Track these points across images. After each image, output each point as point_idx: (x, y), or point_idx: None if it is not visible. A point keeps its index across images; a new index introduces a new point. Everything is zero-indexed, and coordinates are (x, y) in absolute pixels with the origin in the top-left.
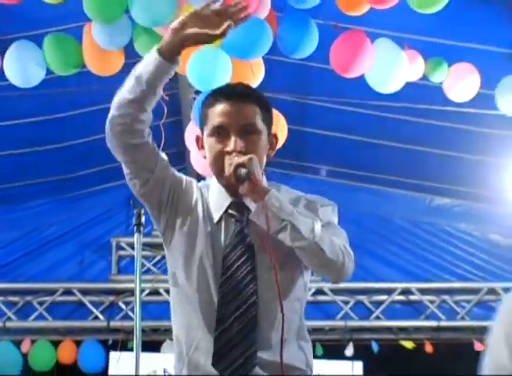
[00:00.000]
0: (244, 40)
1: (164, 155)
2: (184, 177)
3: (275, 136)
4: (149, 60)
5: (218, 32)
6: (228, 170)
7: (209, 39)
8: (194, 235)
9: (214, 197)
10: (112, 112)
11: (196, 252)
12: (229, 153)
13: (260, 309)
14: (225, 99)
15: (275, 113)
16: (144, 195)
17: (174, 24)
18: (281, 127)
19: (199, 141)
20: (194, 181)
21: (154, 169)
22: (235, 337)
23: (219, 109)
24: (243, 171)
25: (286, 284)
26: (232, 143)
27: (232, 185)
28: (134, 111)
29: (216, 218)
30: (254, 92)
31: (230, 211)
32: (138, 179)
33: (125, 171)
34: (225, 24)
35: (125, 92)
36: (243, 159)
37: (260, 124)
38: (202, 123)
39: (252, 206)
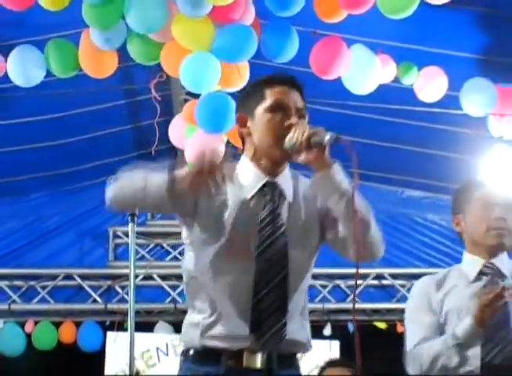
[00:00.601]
0: (232, 45)
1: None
2: None
3: None
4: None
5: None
6: (299, 137)
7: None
8: (223, 212)
9: (247, 176)
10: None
11: (224, 227)
12: (293, 125)
13: (290, 282)
14: (284, 83)
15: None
16: (175, 213)
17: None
18: None
19: (242, 120)
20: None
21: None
22: (270, 306)
23: (280, 89)
24: (326, 137)
25: (306, 261)
26: (294, 119)
27: (284, 154)
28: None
29: (249, 195)
30: (301, 83)
31: (264, 189)
32: (161, 212)
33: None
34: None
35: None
36: (317, 129)
37: (305, 110)
38: (253, 102)
39: (285, 186)
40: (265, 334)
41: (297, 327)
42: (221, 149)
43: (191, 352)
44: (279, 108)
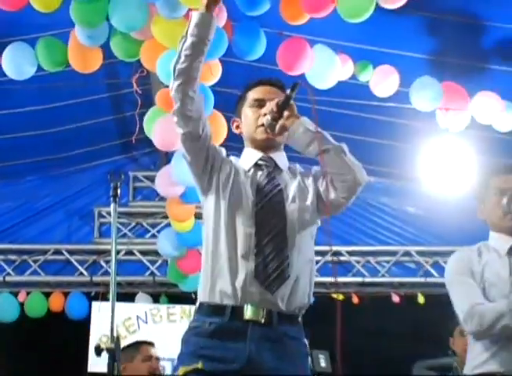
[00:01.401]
0: None
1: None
2: (219, 148)
3: None
4: (197, 22)
5: None
6: (269, 110)
7: None
8: (231, 183)
9: (245, 157)
10: (174, 75)
11: (231, 194)
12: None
13: (288, 233)
14: (265, 83)
15: (215, 112)
16: (191, 152)
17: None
18: (221, 127)
19: (234, 123)
20: (225, 150)
21: (203, 131)
22: (271, 252)
23: (259, 88)
24: (282, 100)
25: (304, 214)
26: (269, 105)
27: (266, 139)
28: (192, 79)
29: (247, 168)
30: (282, 84)
31: (260, 162)
32: (192, 139)
33: (182, 130)
34: None
35: (181, 60)
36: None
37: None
38: (240, 106)
39: (277, 158)
40: (269, 276)
41: (301, 285)
42: None
43: (201, 306)
44: (257, 104)
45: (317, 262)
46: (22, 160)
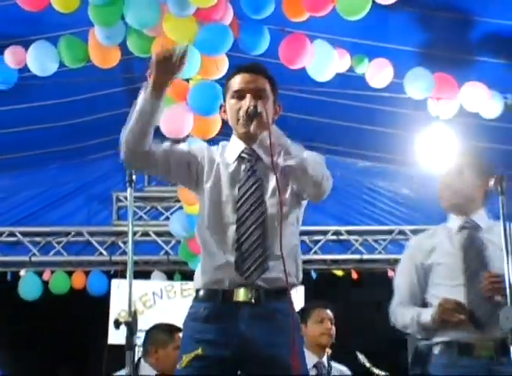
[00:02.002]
0: (211, 40)
1: (166, 145)
2: (194, 151)
3: (279, 105)
4: (146, 103)
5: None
6: (241, 116)
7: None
8: (214, 176)
9: (231, 147)
10: (123, 146)
11: (215, 186)
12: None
13: (268, 226)
14: (243, 71)
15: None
16: (177, 182)
17: (150, 84)
18: None
19: (221, 108)
20: (204, 146)
21: (170, 164)
22: (250, 246)
23: (238, 78)
24: (252, 109)
25: (284, 213)
26: (247, 100)
27: (245, 132)
28: (141, 142)
29: (232, 160)
30: (265, 69)
31: (243, 154)
32: (168, 175)
33: (151, 173)
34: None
35: (130, 129)
36: (253, 102)
37: (268, 91)
38: (224, 94)
39: (259, 151)
40: (247, 270)
41: (288, 265)
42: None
43: (197, 292)
44: (236, 95)
45: (318, 241)
46: (46, 149)
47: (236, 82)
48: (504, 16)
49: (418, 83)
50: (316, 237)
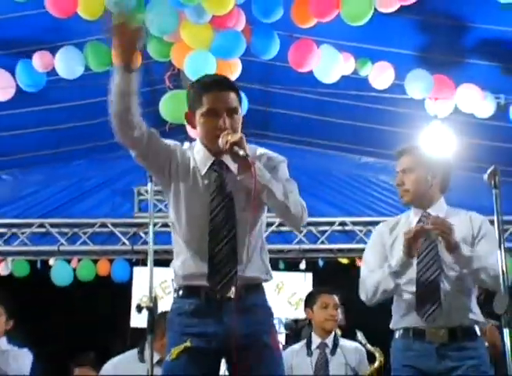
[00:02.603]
0: (225, 46)
1: (153, 131)
2: (171, 145)
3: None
4: (115, 76)
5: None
6: (223, 145)
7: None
8: (185, 187)
9: (199, 156)
10: (113, 121)
11: (187, 197)
12: (222, 129)
13: (238, 236)
14: (216, 89)
15: None
16: (147, 167)
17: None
18: None
19: (190, 117)
20: (179, 145)
21: (150, 146)
22: (222, 260)
23: (212, 96)
24: (241, 152)
25: (253, 221)
26: (226, 122)
27: (219, 151)
28: (125, 117)
29: (203, 172)
30: (232, 83)
31: (213, 167)
32: (142, 157)
33: (132, 154)
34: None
35: (113, 105)
36: (237, 137)
37: (238, 106)
38: (194, 105)
39: (229, 162)
40: (220, 281)
41: (254, 265)
42: None
43: (178, 289)
44: (212, 113)
45: (325, 232)
46: (72, 147)
47: (210, 101)
48: (497, 22)
49: (417, 84)
50: (323, 228)
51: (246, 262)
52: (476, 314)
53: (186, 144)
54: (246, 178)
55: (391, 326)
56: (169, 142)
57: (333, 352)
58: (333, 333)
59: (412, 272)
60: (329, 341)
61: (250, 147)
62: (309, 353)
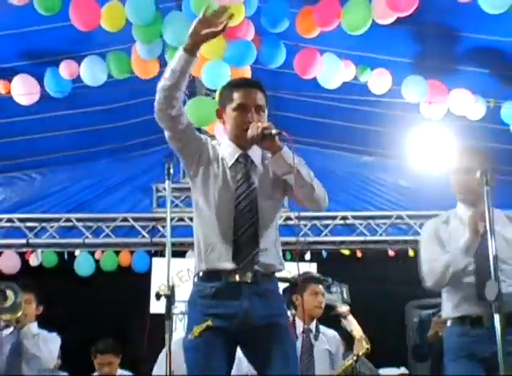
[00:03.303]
0: (238, 54)
1: (190, 121)
2: (204, 138)
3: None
4: (178, 56)
5: (219, 29)
6: (255, 131)
7: (214, 35)
8: (214, 175)
9: (227, 150)
10: (158, 96)
11: (215, 186)
12: (249, 123)
13: (260, 223)
14: (246, 86)
15: None
16: (179, 151)
17: (191, 31)
18: None
19: (220, 113)
20: (209, 139)
21: (186, 133)
22: (245, 241)
23: (242, 92)
24: (273, 131)
25: (272, 209)
26: (254, 117)
27: (246, 142)
28: (171, 92)
29: (230, 164)
30: (261, 85)
31: (239, 159)
32: (176, 140)
33: (167, 134)
34: (223, 24)
35: (165, 79)
36: (266, 124)
37: (265, 106)
38: (226, 102)
39: (253, 156)
40: (242, 260)
41: (271, 255)
42: None
43: (200, 273)
44: (241, 108)
45: (328, 225)
46: (97, 148)
47: (240, 96)
48: (486, 32)
49: (413, 89)
50: (326, 222)
51: (264, 250)
52: None
53: (214, 141)
54: (276, 160)
55: (444, 315)
56: (202, 135)
57: (316, 337)
58: (315, 320)
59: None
60: (313, 326)
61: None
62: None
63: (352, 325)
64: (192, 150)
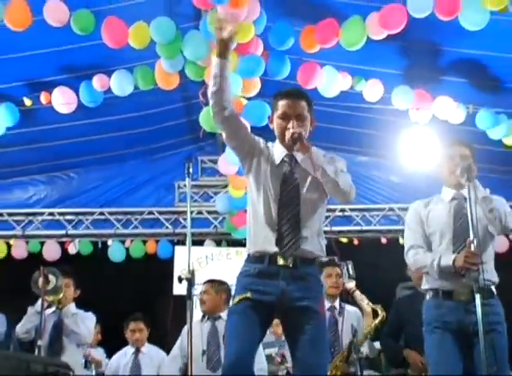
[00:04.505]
0: (248, 67)
1: (247, 124)
2: (257, 139)
3: (313, 120)
4: (214, 64)
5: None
6: (288, 136)
7: (231, 35)
8: (264, 172)
9: (276, 150)
10: (210, 102)
11: (264, 180)
12: (289, 129)
13: (301, 214)
14: (289, 97)
15: None
16: (234, 148)
17: (216, 40)
18: None
19: (271, 119)
20: (262, 140)
21: (239, 133)
22: (287, 229)
23: (284, 102)
24: (295, 135)
25: (314, 202)
26: (291, 124)
27: (288, 145)
28: (219, 96)
29: (277, 162)
30: (305, 94)
31: (285, 158)
32: (230, 139)
33: (224, 135)
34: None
35: (211, 87)
36: (297, 129)
37: (306, 114)
38: (273, 110)
39: (298, 157)
40: (284, 246)
41: (312, 242)
42: None
43: (248, 256)
44: (284, 117)
45: (328, 217)
46: (126, 150)
47: (283, 105)
48: (465, 47)
49: (401, 97)
50: (327, 214)
51: (305, 238)
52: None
53: (269, 143)
54: (305, 160)
55: (422, 287)
56: (256, 137)
57: (340, 313)
58: (339, 298)
59: (447, 236)
60: (337, 304)
61: (318, 150)
62: None
63: (360, 299)
64: (245, 149)
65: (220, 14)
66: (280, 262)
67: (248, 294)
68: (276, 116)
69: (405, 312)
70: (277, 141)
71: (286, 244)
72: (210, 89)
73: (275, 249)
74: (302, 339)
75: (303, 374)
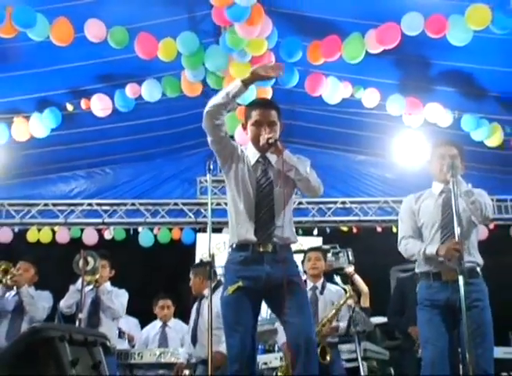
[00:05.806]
0: None
1: (228, 131)
2: (236, 144)
3: (282, 123)
4: (236, 85)
5: (271, 76)
6: (262, 141)
7: (266, 79)
8: (241, 172)
9: (250, 153)
10: (208, 107)
11: (242, 179)
12: (262, 134)
13: (275, 207)
14: (261, 106)
15: None
16: (218, 151)
17: (252, 70)
18: None
19: (244, 126)
20: (239, 145)
21: (224, 139)
22: (265, 220)
23: (257, 111)
24: (271, 140)
25: (286, 197)
26: (266, 130)
27: (262, 148)
28: (219, 109)
29: (252, 163)
30: (274, 103)
31: (259, 160)
32: (215, 143)
33: (209, 139)
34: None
35: (219, 98)
36: (271, 134)
37: (277, 121)
38: (247, 118)
39: (271, 158)
40: (262, 235)
41: (286, 230)
42: None
43: (233, 245)
44: (257, 124)
45: (331, 208)
46: (154, 149)
47: (256, 114)
48: (453, 60)
49: (396, 104)
50: (329, 205)
51: (281, 226)
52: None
53: (243, 146)
54: (279, 161)
55: (416, 270)
56: (234, 142)
57: (321, 292)
58: (322, 279)
59: (436, 225)
60: (319, 284)
61: (288, 152)
62: None
63: (358, 283)
64: (227, 152)
65: (271, 63)
66: (262, 248)
67: (240, 283)
68: (250, 123)
69: (406, 291)
70: (250, 144)
71: (264, 232)
72: (216, 100)
73: (255, 238)
74: (290, 306)
75: (296, 334)
